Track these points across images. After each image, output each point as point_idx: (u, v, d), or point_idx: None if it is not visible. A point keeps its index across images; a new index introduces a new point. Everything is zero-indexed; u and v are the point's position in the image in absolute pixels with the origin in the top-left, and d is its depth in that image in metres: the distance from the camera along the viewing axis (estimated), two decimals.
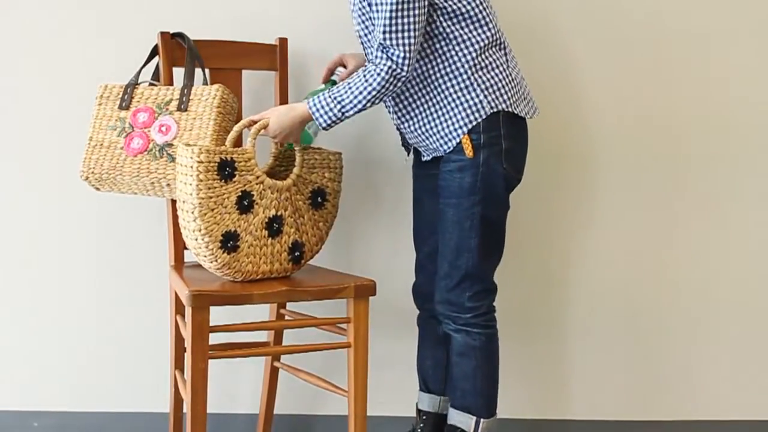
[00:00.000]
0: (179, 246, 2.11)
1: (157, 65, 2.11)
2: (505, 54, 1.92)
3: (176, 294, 2.05)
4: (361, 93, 1.82)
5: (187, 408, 1.83)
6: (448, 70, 1.85)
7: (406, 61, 1.79)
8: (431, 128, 1.89)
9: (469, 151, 1.85)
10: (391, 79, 1.81)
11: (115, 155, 2.01)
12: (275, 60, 2.22)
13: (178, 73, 2.10)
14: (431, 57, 1.85)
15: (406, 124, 1.94)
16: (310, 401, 2.41)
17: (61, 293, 2.37)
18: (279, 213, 1.90)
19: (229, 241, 1.83)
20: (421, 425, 2.11)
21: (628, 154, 2.38)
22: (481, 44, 1.86)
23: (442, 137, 1.88)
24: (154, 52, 2.12)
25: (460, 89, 1.85)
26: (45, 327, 2.37)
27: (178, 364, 2.12)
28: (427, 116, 1.89)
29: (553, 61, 2.35)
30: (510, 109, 1.87)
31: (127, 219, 2.34)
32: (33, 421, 2.39)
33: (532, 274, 2.40)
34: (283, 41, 2.22)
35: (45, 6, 2.30)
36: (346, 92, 1.83)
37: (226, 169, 1.82)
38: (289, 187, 1.92)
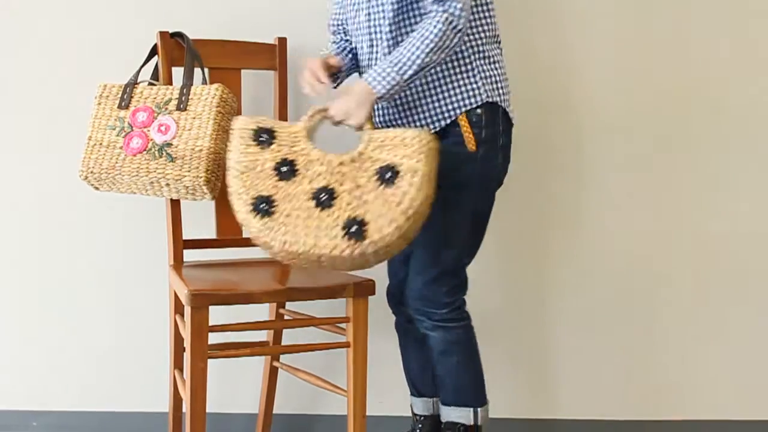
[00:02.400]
0: (179, 246, 2.11)
1: (157, 65, 2.12)
2: (501, 52, 1.92)
3: (175, 293, 2.05)
4: (418, 48, 1.75)
5: (186, 407, 1.83)
6: (453, 51, 1.83)
7: (463, 13, 1.75)
8: (424, 104, 1.86)
9: (471, 145, 1.84)
10: (448, 31, 1.75)
11: (114, 155, 2.01)
12: (274, 59, 2.22)
13: (178, 72, 2.10)
14: None
15: (396, 98, 1.89)
16: (310, 401, 2.41)
17: (61, 293, 2.37)
18: (331, 186, 1.74)
19: (261, 204, 1.73)
20: (420, 426, 2.11)
21: (615, 151, 2.37)
22: (486, 35, 1.86)
23: (433, 114, 1.86)
24: (153, 52, 2.12)
25: (461, 72, 1.84)
26: (44, 327, 2.37)
27: (178, 364, 2.12)
28: (422, 92, 1.86)
29: (547, 55, 2.35)
30: (503, 106, 1.88)
31: (126, 219, 2.34)
32: (32, 420, 2.39)
33: (521, 272, 2.40)
34: (282, 41, 2.22)
35: (44, 5, 2.30)
36: (402, 53, 1.76)
37: (261, 136, 1.78)
38: (345, 162, 1.76)
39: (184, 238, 2.12)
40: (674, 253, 2.41)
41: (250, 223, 1.72)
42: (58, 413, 2.39)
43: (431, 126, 1.86)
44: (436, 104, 1.86)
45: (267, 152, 1.76)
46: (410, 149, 1.74)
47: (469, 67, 1.84)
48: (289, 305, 2.19)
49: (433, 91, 1.86)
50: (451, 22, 1.75)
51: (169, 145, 1.98)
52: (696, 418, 2.44)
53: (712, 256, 2.41)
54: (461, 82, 1.84)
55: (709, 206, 2.40)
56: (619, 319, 2.42)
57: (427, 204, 1.72)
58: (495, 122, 1.86)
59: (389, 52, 1.85)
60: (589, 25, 2.34)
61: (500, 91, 1.87)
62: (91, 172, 2.02)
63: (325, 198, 1.72)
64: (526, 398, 2.43)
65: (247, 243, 2.20)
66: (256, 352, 2.02)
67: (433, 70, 1.84)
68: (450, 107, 1.85)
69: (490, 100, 1.85)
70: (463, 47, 1.84)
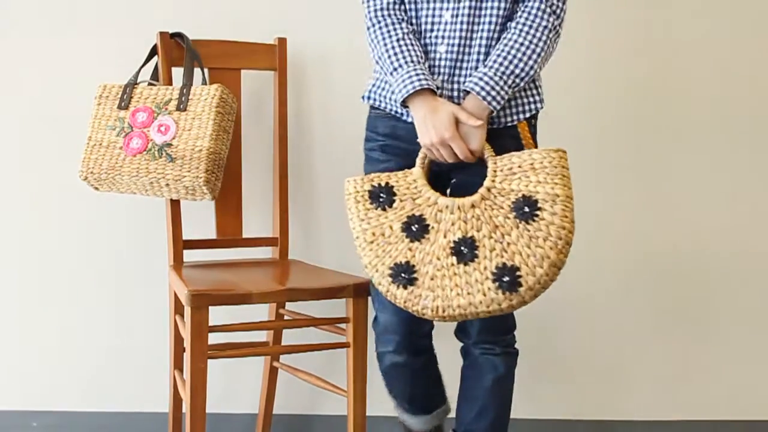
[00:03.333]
0: (178, 246, 2.11)
1: (156, 65, 2.12)
2: None
3: (175, 294, 2.05)
4: (530, 58, 1.59)
5: (186, 408, 1.83)
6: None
7: (564, 15, 1.62)
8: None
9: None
10: (554, 36, 1.61)
11: (114, 155, 2.02)
12: (274, 60, 2.22)
13: (177, 72, 2.10)
14: None
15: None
16: (310, 401, 2.41)
17: (61, 293, 2.37)
18: (469, 235, 1.57)
19: (401, 274, 1.57)
20: None
21: (631, 150, 2.38)
22: None
23: (508, 107, 1.67)
24: (153, 52, 2.12)
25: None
26: (45, 327, 2.37)
27: (178, 364, 2.12)
28: None
29: None
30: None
31: (126, 219, 2.34)
32: (32, 420, 2.39)
33: None
34: (282, 41, 2.22)
35: (44, 6, 2.30)
36: (510, 60, 1.59)
37: (380, 196, 1.63)
38: (476, 203, 1.59)
39: (184, 238, 2.12)
40: (678, 255, 2.41)
41: (395, 295, 1.58)
42: (58, 413, 2.39)
43: (504, 120, 1.67)
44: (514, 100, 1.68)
45: (390, 213, 1.61)
46: (542, 173, 1.57)
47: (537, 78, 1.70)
48: (288, 305, 2.19)
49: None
50: (555, 26, 1.61)
51: (169, 145, 1.98)
52: (705, 419, 2.44)
53: (717, 255, 2.41)
54: (532, 86, 1.69)
55: (724, 205, 2.40)
56: (624, 319, 2.42)
57: (574, 228, 1.56)
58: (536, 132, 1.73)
59: (491, 29, 1.63)
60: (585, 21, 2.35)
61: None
62: (91, 172, 2.02)
63: (466, 251, 1.56)
64: (522, 398, 2.43)
65: (247, 243, 2.21)
66: (256, 352, 2.02)
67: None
68: (522, 102, 1.68)
69: (541, 110, 1.71)
70: None
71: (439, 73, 1.66)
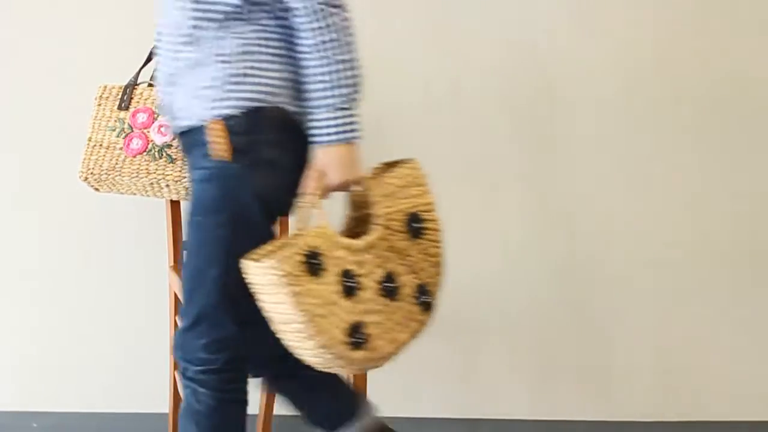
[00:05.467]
0: (178, 247, 2.11)
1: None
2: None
3: (175, 294, 2.05)
4: (342, 72, 1.45)
5: None
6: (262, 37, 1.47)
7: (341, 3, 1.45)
8: (198, 90, 1.48)
9: (223, 152, 1.44)
10: (343, 32, 1.44)
11: (114, 156, 2.02)
12: None
13: None
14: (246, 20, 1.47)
15: (178, 78, 1.53)
16: None
17: (61, 294, 2.37)
18: (387, 271, 1.50)
19: (356, 335, 1.43)
20: None
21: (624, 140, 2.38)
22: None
23: (200, 105, 1.48)
24: (153, 53, 2.12)
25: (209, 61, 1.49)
26: (45, 327, 2.38)
27: (178, 365, 2.12)
28: (197, 76, 1.49)
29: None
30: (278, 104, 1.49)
31: (126, 220, 2.34)
32: (32, 421, 2.39)
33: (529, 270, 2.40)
34: None
35: (44, 6, 2.30)
36: (333, 91, 1.45)
37: (311, 261, 1.41)
38: (383, 235, 1.52)
39: (184, 239, 2.12)
40: (676, 250, 2.41)
41: (352, 359, 1.43)
42: (58, 414, 2.39)
43: (192, 121, 1.50)
44: (208, 94, 1.48)
45: (328, 276, 1.42)
46: (414, 187, 1.57)
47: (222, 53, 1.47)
48: None
49: (211, 76, 1.47)
50: (337, 26, 1.43)
51: (169, 146, 1.98)
52: (705, 419, 2.44)
53: (707, 252, 2.41)
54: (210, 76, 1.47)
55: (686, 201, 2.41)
56: (618, 317, 2.42)
57: None
58: (258, 129, 1.47)
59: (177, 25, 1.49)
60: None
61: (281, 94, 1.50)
62: (91, 173, 2.02)
63: (391, 287, 1.49)
64: (523, 398, 2.43)
65: None
66: None
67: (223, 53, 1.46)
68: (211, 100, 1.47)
69: (262, 104, 1.47)
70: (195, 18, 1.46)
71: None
